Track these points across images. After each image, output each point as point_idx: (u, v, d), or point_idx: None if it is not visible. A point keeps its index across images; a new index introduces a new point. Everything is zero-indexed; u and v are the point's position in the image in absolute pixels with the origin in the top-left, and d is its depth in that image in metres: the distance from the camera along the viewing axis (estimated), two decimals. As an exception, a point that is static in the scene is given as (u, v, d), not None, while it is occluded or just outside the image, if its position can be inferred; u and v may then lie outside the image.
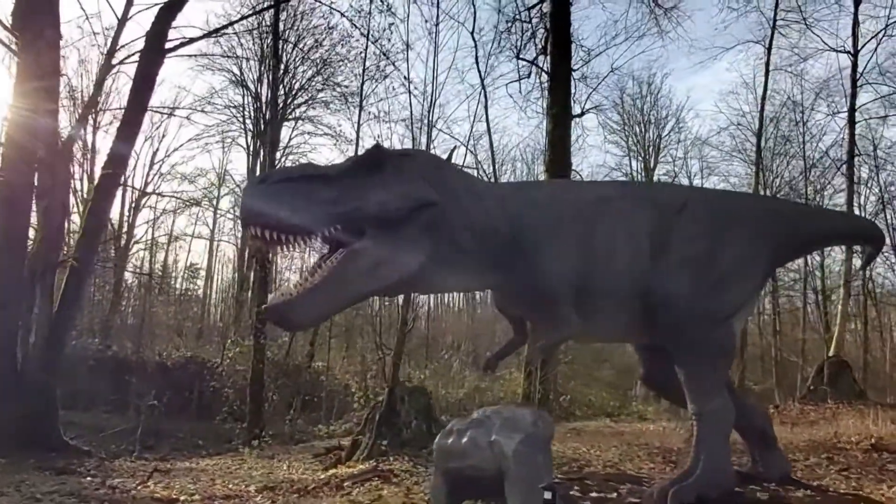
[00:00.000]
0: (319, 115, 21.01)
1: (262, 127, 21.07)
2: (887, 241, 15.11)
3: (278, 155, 19.57)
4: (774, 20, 15.95)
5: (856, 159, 15.43)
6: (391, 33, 13.16)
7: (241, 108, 21.00)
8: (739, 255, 4.13)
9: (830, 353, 12.27)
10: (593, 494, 3.87)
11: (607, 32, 27.69)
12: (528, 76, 16.12)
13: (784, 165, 19.75)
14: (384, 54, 11.76)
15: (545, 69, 14.99)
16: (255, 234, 3.02)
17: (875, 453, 5.98)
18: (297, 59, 18.54)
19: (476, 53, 14.33)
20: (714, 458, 3.84)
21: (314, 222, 3.05)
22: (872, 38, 15.59)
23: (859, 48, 15.50)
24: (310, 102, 20.70)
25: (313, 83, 19.78)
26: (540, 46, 15.91)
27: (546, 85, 14.82)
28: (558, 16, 14.27)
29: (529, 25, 16.12)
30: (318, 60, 18.68)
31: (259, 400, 12.32)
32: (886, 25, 15.27)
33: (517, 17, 16.04)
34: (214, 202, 23.81)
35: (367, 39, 13.29)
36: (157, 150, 21.03)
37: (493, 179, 15.07)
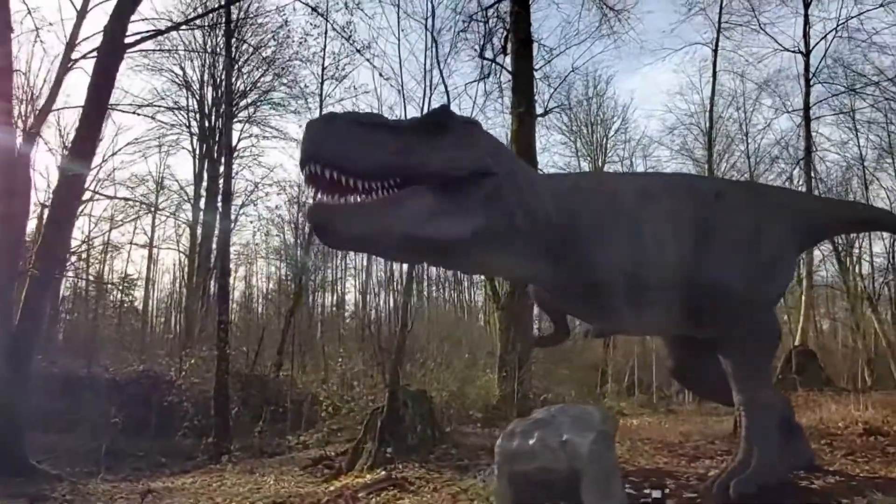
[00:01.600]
0: (269, 116, 20.38)
1: (208, 129, 20.28)
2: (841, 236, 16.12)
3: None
4: (719, 23, 16.69)
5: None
6: (352, 31, 12.91)
7: (186, 110, 20.09)
8: (779, 242, 4.18)
9: (796, 343, 12.85)
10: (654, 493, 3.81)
11: (568, 33, 27.96)
12: (489, 76, 16.19)
13: (729, 166, 20.55)
14: (356, 48, 11.39)
15: (507, 68, 15.03)
16: (313, 173, 2.78)
17: (870, 437, 6.19)
18: (249, 56, 17.90)
19: (436, 52, 14.29)
20: (770, 447, 3.85)
21: (379, 170, 2.85)
22: (822, 38, 16.51)
23: (811, 48, 16.35)
24: (258, 104, 20.03)
25: (267, 82, 19.16)
26: (499, 46, 16.00)
27: (508, 84, 14.88)
28: (519, 14, 14.31)
29: (487, 25, 16.18)
30: (270, 59, 18.09)
31: (225, 413, 11.75)
32: (837, 26, 16.18)
33: (474, 16, 16.04)
34: (167, 208, 22.56)
35: (328, 26, 12.94)
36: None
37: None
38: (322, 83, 16.00)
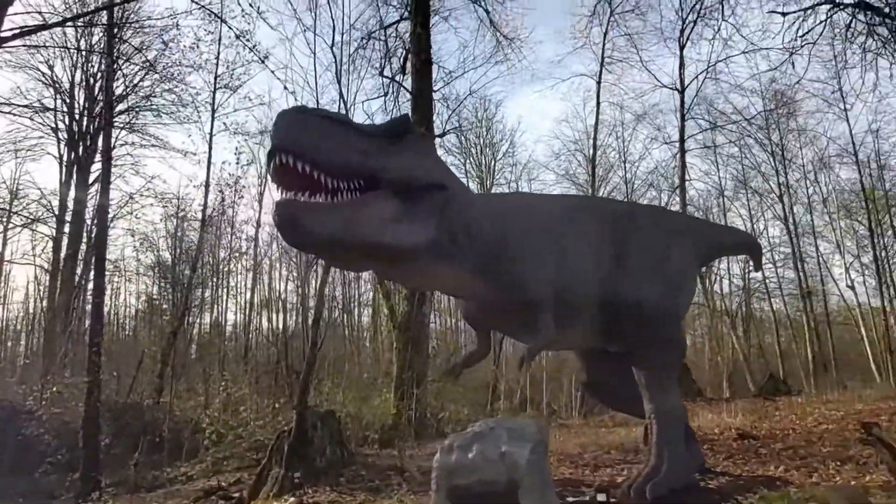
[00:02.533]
0: (149, 124, 19.09)
1: (78, 134, 18.63)
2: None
3: (98, 165, 17.39)
4: (602, 57, 18.12)
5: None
6: (250, 40, 12.52)
7: (53, 112, 18.31)
8: (684, 262, 4.57)
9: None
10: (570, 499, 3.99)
11: (465, 57, 28.84)
12: (387, 94, 16.32)
13: (607, 191, 22.06)
14: (260, 58, 11.03)
15: (407, 87, 15.22)
16: (282, 163, 2.71)
17: (743, 441, 6.84)
18: (130, 57, 16.69)
19: (337, 69, 14.21)
20: (677, 451, 4.17)
21: (347, 169, 2.86)
22: (694, 78, 18.34)
23: (686, 86, 18.10)
24: (138, 110, 18.73)
25: (147, 87, 17.96)
26: (399, 65, 16.20)
27: (408, 103, 15.05)
28: (420, 35, 14.56)
29: (387, 44, 16.34)
30: (154, 62, 17.01)
31: (94, 445, 10.68)
32: (707, 68, 18.05)
33: (374, 34, 16.15)
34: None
35: (221, 34, 12.45)
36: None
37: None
38: (214, 92, 15.35)
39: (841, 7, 8.75)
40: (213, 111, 14.81)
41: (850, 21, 8.94)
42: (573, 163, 22.86)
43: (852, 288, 20.09)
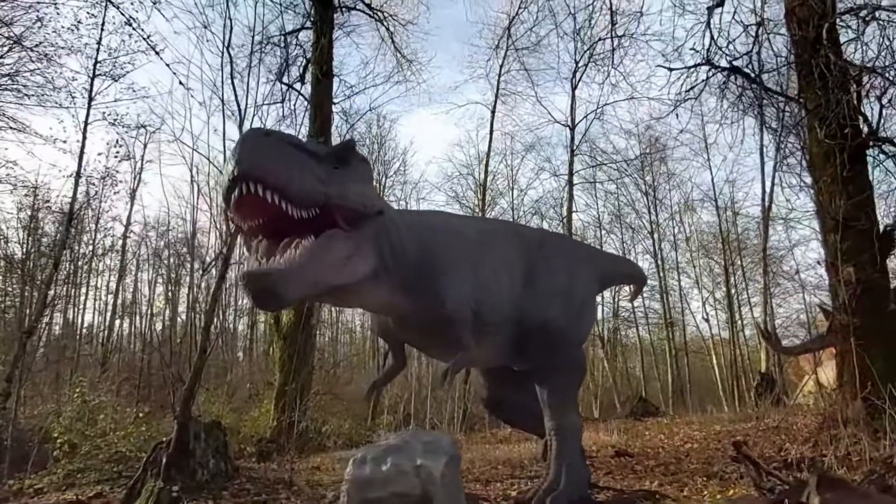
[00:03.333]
0: (6, 105, 17.18)
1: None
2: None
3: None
4: (498, 88, 18.93)
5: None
6: (137, 27, 11.74)
7: None
8: (588, 289, 4.85)
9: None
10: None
11: (366, 73, 28.82)
12: (284, 101, 15.86)
13: (495, 215, 22.82)
14: (155, 50, 10.33)
15: (306, 97, 14.90)
16: (249, 192, 2.58)
17: (620, 458, 7.30)
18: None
19: (232, 70, 13.61)
20: (576, 466, 4.38)
21: (309, 198, 2.81)
22: (584, 117, 19.54)
23: (576, 123, 19.24)
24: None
25: (10, 65, 16.15)
26: (298, 74, 15.82)
27: (306, 113, 14.73)
28: (323, 47, 14.36)
29: (287, 51, 15.92)
30: (22, 38, 15.41)
31: (-83, 456, 9.38)
32: (596, 108, 19.30)
33: (272, 39, 15.68)
34: None
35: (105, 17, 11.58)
36: None
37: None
38: (93, 79, 14.15)
39: (718, 69, 9.69)
40: (90, 99, 13.62)
41: (725, 82, 9.94)
42: (464, 186, 23.51)
43: (707, 320, 22.22)
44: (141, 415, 11.41)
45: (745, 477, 5.11)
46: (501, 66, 19.19)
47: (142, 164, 22.24)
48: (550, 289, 4.47)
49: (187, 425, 5.96)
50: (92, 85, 13.60)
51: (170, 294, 24.76)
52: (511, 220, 22.26)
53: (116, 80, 14.06)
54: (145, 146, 21.79)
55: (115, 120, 14.61)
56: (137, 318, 25.97)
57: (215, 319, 11.58)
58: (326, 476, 6.92)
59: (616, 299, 22.82)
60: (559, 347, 4.42)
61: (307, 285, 2.86)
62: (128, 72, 13.02)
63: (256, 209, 2.75)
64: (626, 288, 20.71)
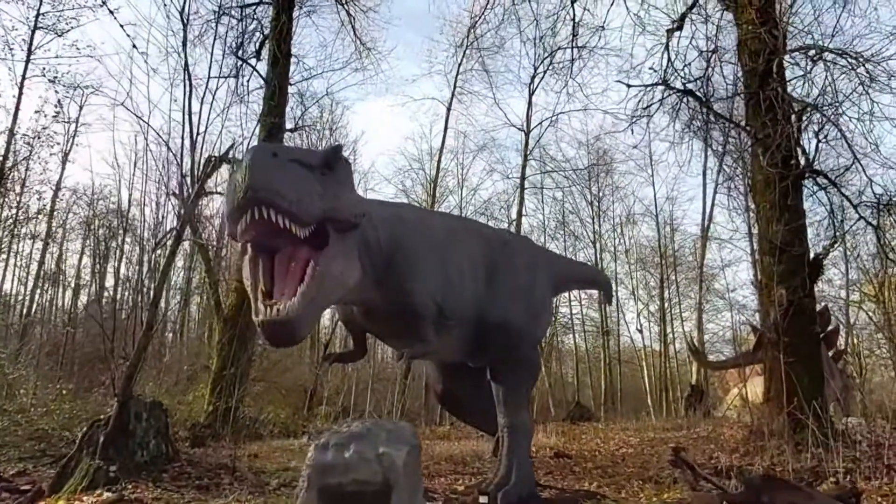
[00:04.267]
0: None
1: None
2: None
3: None
4: (454, 87, 19.10)
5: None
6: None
7: None
8: (546, 290, 5.00)
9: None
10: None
11: (324, 56, 28.26)
12: (238, 76, 15.37)
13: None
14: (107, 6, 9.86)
15: (262, 74, 14.49)
16: (261, 217, 2.57)
17: (559, 459, 7.52)
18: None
19: (185, 37, 13.08)
20: (525, 463, 4.51)
21: (311, 217, 2.85)
22: (539, 124, 19.89)
23: (531, 129, 19.55)
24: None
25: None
26: (254, 49, 15.36)
27: (260, 91, 14.32)
28: (282, 24, 13.96)
29: (243, 24, 15.43)
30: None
31: None
32: (551, 116, 19.69)
33: (227, 10, 15.18)
34: None
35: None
36: None
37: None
38: (34, 31, 13.45)
39: (673, 91, 10.09)
40: (29, 53, 12.95)
41: (678, 103, 10.37)
42: (414, 180, 23.51)
43: (641, 332, 23.04)
44: (65, 391, 10.92)
45: (679, 481, 5.38)
46: (460, 65, 19.35)
47: (76, 127, 20.95)
48: (510, 288, 4.59)
49: (128, 404, 5.77)
50: (32, 38, 12.94)
51: (97, 267, 23.66)
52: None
53: (60, 35, 13.43)
54: (81, 108, 20.61)
55: (56, 77, 13.93)
56: (61, 289, 24.71)
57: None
58: (270, 464, 6.82)
59: (571, 301, 23.36)
60: (517, 346, 4.55)
61: (317, 315, 3.12)
62: (72, 27, 12.41)
63: (256, 226, 2.79)
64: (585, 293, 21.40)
